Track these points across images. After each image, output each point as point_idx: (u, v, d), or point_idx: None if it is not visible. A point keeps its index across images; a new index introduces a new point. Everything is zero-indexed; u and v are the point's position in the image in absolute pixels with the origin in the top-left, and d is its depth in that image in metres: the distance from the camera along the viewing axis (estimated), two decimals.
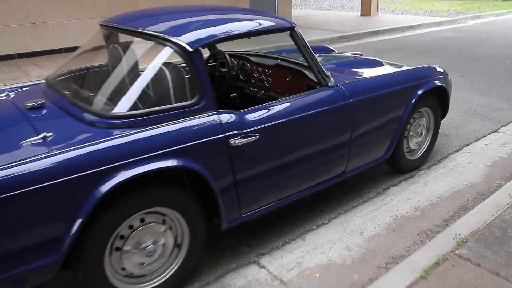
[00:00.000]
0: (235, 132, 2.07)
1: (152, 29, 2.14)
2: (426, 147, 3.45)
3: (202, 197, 2.14)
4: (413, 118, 3.24)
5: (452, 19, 12.72)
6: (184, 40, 2.01)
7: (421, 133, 3.33)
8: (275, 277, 2.24)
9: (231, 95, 2.97)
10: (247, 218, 2.31)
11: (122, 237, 1.93)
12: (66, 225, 1.70)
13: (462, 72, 6.54)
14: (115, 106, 1.97)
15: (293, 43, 2.47)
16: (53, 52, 7.88)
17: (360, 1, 13.98)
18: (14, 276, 1.64)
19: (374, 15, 13.46)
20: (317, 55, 3.83)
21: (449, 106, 3.49)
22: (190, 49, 1.99)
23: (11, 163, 1.60)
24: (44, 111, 2.11)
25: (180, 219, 2.07)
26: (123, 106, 1.97)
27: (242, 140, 2.08)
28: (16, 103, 2.24)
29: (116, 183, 1.74)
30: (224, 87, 3.02)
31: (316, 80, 2.56)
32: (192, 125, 1.98)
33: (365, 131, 2.76)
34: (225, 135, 2.04)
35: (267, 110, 2.23)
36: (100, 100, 2.04)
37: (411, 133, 3.26)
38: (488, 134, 4.15)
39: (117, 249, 1.93)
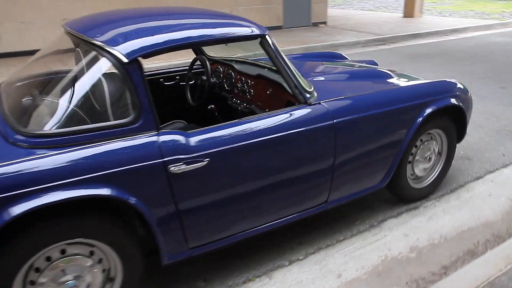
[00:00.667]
0: (177, 157, 1.78)
1: (95, 38, 1.88)
2: (437, 174, 2.99)
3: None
4: (421, 140, 2.81)
5: (505, 21, 11.68)
6: (120, 50, 1.74)
7: (430, 158, 2.89)
8: None
9: (209, 107, 2.68)
10: (197, 253, 2.02)
11: (37, 270, 1.70)
12: None
13: (504, 83, 5.85)
14: (41, 124, 1.74)
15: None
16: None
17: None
18: None
19: (417, 16, 12.65)
20: (324, 63, 3.48)
21: (468, 126, 3.01)
22: (126, 60, 1.72)
23: None
24: None
25: (111, 251, 1.81)
26: (49, 124, 1.74)
27: (185, 166, 1.79)
28: None
29: (18, 213, 1.51)
30: (203, 97, 2.74)
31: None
32: (123, 148, 1.71)
33: (353, 156, 2.38)
34: (164, 161, 1.75)
35: (221, 132, 1.92)
36: (26, 116, 1.82)
37: (417, 157, 2.83)
38: None
39: (32, 282, 1.71)
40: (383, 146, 2.51)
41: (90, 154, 1.66)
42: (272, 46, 2.10)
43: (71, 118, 1.75)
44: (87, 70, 1.86)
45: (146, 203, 1.75)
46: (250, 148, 1.96)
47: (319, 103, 2.24)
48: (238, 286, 2.20)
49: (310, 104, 2.20)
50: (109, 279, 1.88)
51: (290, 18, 10.79)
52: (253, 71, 2.59)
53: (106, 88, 1.78)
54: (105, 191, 1.65)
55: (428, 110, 2.64)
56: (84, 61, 1.92)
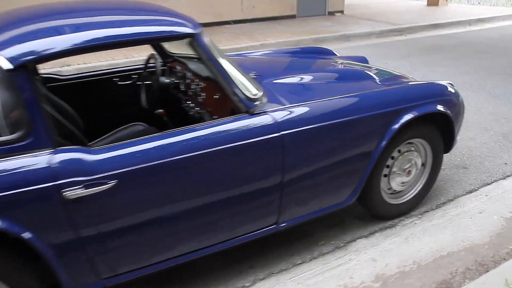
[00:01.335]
0: (75, 179, 1.54)
1: None
2: (419, 188, 2.65)
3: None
4: (399, 151, 2.47)
5: None
6: (4, 54, 1.50)
7: (410, 171, 2.54)
8: None
9: (155, 112, 2.42)
10: (112, 283, 1.79)
11: None
12: None
13: None
14: None
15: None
16: None
17: None
18: None
19: (442, 5, 11.93)
20: (300, 61, 3.14)
21: (456, 136, 2.64)
22: (10, 66, 1.48)
23: None
24: None
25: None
26: None
27: (82, 190, 1.55)
28: None
29: None
30: (153, 99, 2.49)
31: None
32: (7, 170, 1.49)
33: (307, 172, 2.08)
34: (56, 184, 1.52)
35: (134, 148, 1.67)
36: None
37: (394, 169, 2.49)
38: None
39: None
40: (347, 159, 2.20)
41: None
42: (203, 47, 1.82)
43: None
44: None
45: (38, 234, 1.52)
46: (172, 166, 1.70)
47: (265, 112, 1.95)
48: None
49: (252, 114, 1.92)
50: None
51: (304, 7, 10.33)
52: (204, 72, 2.31)
53: None
54: None
55: (406, 118, 2.30)
56: None
